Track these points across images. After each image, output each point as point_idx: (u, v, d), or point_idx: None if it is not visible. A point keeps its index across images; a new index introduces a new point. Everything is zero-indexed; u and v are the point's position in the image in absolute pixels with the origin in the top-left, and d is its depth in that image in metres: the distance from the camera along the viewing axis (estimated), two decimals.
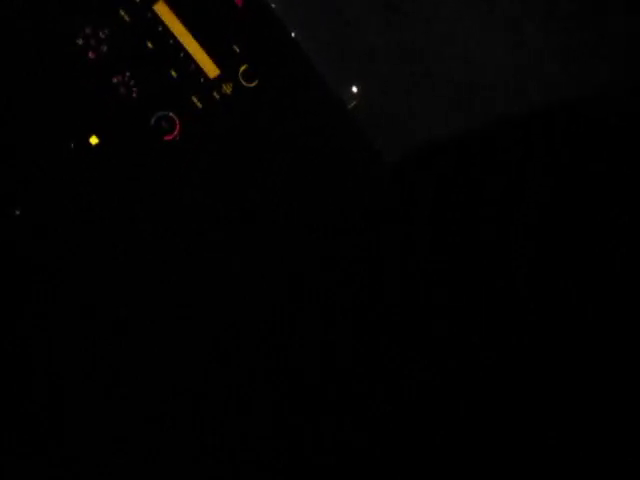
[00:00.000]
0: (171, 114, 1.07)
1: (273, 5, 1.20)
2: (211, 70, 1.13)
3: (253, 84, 1.12)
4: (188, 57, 1.12)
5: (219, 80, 1.12)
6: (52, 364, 0.57)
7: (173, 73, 1.11)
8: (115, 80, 1.08)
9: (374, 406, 0.44)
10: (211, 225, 0.60)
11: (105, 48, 1.10)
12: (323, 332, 0.48)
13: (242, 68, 1.13)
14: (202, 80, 1.10)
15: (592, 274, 0.42)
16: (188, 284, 0.55)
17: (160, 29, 1.11)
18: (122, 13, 1.10)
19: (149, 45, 1.11)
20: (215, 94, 1.11)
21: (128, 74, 1.09)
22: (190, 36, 1.12)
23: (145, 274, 0.58)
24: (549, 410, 0.43)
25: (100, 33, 1.09)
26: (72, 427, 0.53)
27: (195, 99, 1.09)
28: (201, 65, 1.12)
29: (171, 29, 1.12)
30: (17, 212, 0.96)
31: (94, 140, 1.06)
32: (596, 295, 0.41)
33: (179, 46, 1.11)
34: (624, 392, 0.41)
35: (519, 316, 0.43)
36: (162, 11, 1.12)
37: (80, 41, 1.08)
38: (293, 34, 1.28)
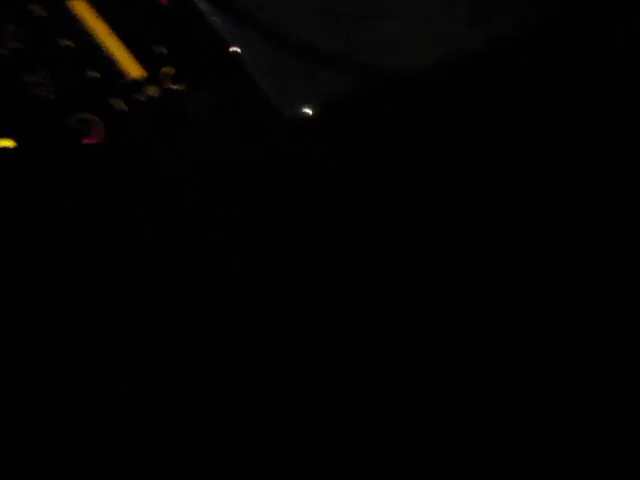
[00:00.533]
0: (91, 116, 1.02)
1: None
2: (135, 71, 1.10)
3: (180, 87, 1.10)
4: (109, 57, 1.07)
5: (143, 81, 1.09)
6: (52, 364, 0.53)
7: (93, 73, 1.06)
8: (28, 79, 1.03)
9: (374, 406, 0.44)
10: (135, 225, 0.57)
11: (17, 44, 1.05)
12: (323, 332, 0.47)
13: (168, 70, 1.10)
14: (125, 81, 1.07)
15: (592, 274, 0.43)
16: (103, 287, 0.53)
17: (78, 26, 1.07)
18: (35, 8, 1.05)
19: (66, 43, 1.06)
20: (139, 96, 1.07)
21: (43, 73, 1.03)
22: (112, 34, 1.09)
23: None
24: (549, 410, 0.43)
25: (12, 28, 1.04)
26: (72, 427, 0.49)
27: (117, 101, 1.05)
28: (123, 65, 1.08)
29: (90, 27, 1.08)
30: None
31: (6, 143, 1.01)
32: (596, 295, 0.43)
33: (98, 45, 1.07)
34: (624, 392, 0.42)
35: (519, 316, 0.44)
36: (80, 8, 1.08)
37: None
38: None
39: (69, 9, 1.06)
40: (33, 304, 0.59)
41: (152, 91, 1.04)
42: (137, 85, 1.03)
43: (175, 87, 1.03)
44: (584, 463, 0.44)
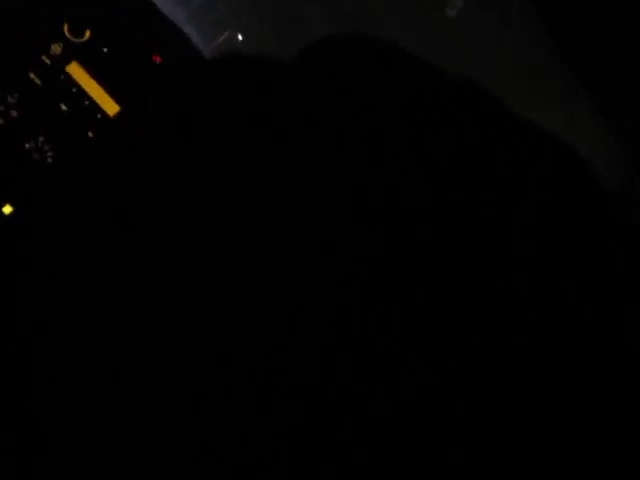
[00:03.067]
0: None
1: None
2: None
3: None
4: (106, 118, 1.10)
5: None
6: (51, 363, 0.53)
7: (90, 135, 1.09)
8: (28, 146, 1.05)
9: (374, 406, 0.43)
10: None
11: (15, 113, 1.06)
12: (323, 332, 0.47)
13: None
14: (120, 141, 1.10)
15: (592, 274, 0.43)
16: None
17: (74, 90, 1.09)
18: (32, 76, 1.07)
19: (63, 108, 1.08)
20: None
21: (42, 139, 1.06)
22: (107, 96, 1.11)
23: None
24: (549, 410, 0.44)
25: (9, 97, 1.05)
26: (71, 427, 0.49)
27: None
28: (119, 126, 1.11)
29: (86, 90, 1.10)
30: None
31: (7, 209, 1.03)
32: (596, 295, 0.43)
33: (96, 107, 1.10)
34: (624, 392, 0.42)
35: (519, 316, 0.44)
36: (76, 72, 1.11)
37: None
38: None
39: (66, 74, 1.09)
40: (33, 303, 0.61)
41: None
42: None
43: None
44: (584, 463, 0.43)
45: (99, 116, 1.10)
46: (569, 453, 0.43)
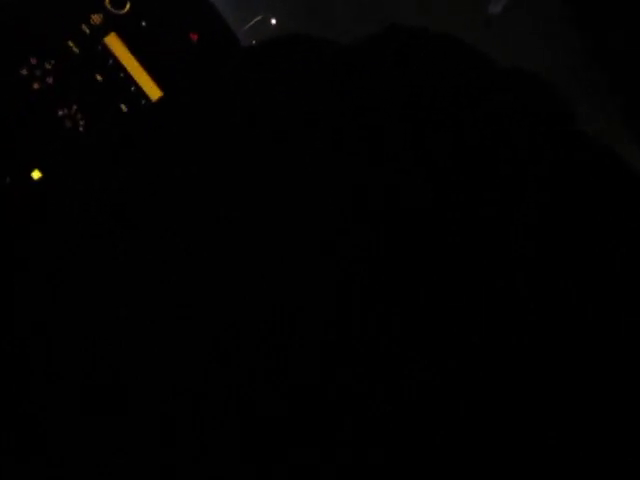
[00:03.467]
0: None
1: None
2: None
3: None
4: (140, 92, 1.10)
5: None
6: (51, 362, 0.54)
7: (124, 107, 1.08)
8: (61, 113, 1.05)
9: (374, 406, 0.43)
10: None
11: (51, 80, 1.06)
12: (323, 332, 0.47)
13: None
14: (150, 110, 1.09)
15: (592, 274, 0.43)
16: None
17: (111, 62, 1.09)
18: (71, 44, 1.07)
19: (98, 78, 1.08)
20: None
21: (75, 107, 1.06)
22: (142, 70, 1.11)
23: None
24: (549, 410, 0.44)
25: (46, 64, 1.05)
26: (71, 427, 0.50)
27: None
28: (153, 100, 1.12)
29: (122, 62, 1.10)
30: None
31: (36, 175, 1.03)
32: (596, 295, 0.43)
33: (130, 80, 1.09)
34: (624, 393, 0.42)
35: (519, 316, 0.44)
36: (113, 44, 1.11)
37: (24, 71, 1.03)
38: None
39: (103, 45, 1.09)
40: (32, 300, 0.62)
41: None
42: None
43: None
44: (584, 463, 0.43)
45: (133, 89, 1.10)
46: (569, 453, 0.43)
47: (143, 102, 1.10)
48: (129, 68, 1.10)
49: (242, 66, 0.65)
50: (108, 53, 1.11)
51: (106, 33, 1.10)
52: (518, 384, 0.45)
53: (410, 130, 0.58)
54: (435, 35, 0.61)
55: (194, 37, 1.16)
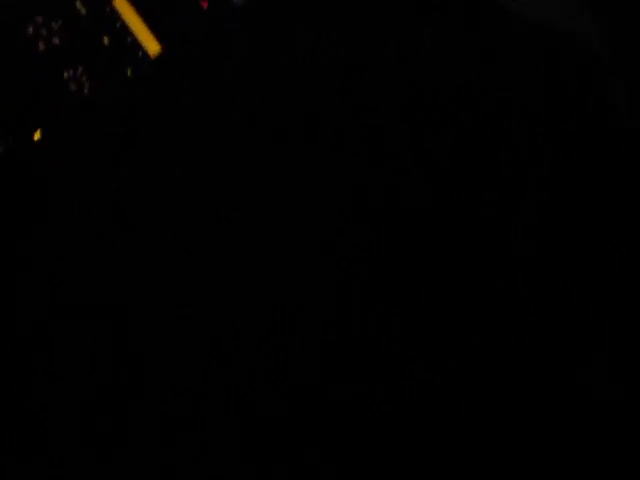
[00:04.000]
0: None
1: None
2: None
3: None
4: (146, 56, 1.08)
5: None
6: (52, 362, 0.54)
7: (129, 72, 1.06)
8: (66, 74, 1.03)
9: (374, 406, 0.43)
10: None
11: (57, 40, 1.05)
12: (323, 332, 0.46)
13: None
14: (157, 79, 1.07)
15: (592, 274, 0.42)
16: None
17: (118, 25, 1.08)
18: (78, 5, 1.06)
19: (105, 41, 1.07)
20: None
21: (80, 69, 1.04)
22: (150, 35, 1.09)
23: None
24: (549, 410, 0.43)
25: (53, 24, 1.05)
26: (70, 428, 0.50)
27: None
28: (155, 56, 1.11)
29: (130, 26, 1.09)
30: None
31: (37, 135, 1.01)
32: (596, 295, 0.42)
33: (137, 44, 1.08)
34: (624, 392, 0.41)
35: (519, 316, 0.43)
36: (122, 6, 1.09)
37: (30, 30, 1.02)
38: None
39: (112, 7, 1.07)
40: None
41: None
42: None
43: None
44: (584, 463, 0.42)
45: (140, 54, 1.08)
46: (568, 452, 0.42)
47: (150, 67, 1.07)
48: (136, 32, 1.10)
49: (242, 65, 0.64)
50: (116, 16, 1.09)
51: None
52: (518, 384, 0.44)
53: (410, 130, 0.57)
54: (435, 32, 0.59)
55: (204, 4, 1.14)
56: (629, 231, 0.46)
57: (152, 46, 1.09)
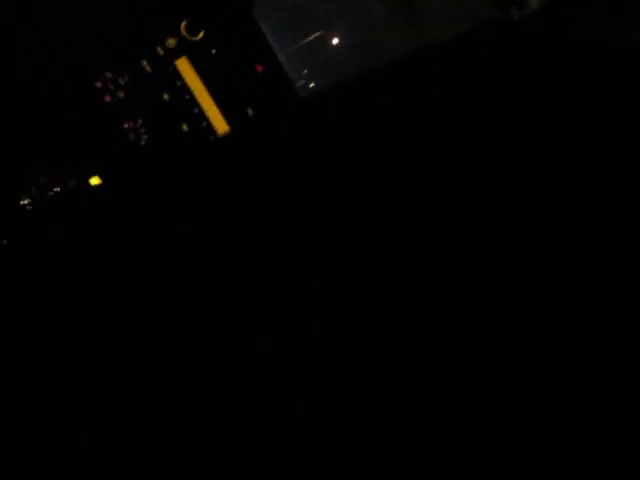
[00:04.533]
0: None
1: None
2: (221, 128, 2.07)
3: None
4: (201, 113, 2.07)
5: (228, 138, 2.07)
6: (52, 362, 0.54)
7: (184, 126, 2.14)
8: (126, 126, 2.20)
9: (374, 406, 0.35)
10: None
11: (122, 94, 2.14)
12: (323, 332, 0.40)
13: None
14: (211, 137, 2.02)
15: (592, 274, 0.35)
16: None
17: (179, 83, 2.12)
18: (144, 63, 2.09)
19: (165, 97, 2.24)
20: (223, 152, 2.21)
21: (140, 122, 2.18)
22: (206, 93, 2.15)
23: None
24: (549, 410, 0.34)
25: (120, 79, 2.07)
26: (71, 427, 0.44)
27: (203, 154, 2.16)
28: (212, 122, 2.04)
29: (189, 85, 2.21)
30: (4, 242, 2.24)
31: (95, 181, 2.21)
32: (596, 295, 0.34)
33: (194, 102, 2.08)
34: (624, 392, 0.33)
35: (519, 316, 0.35)
36: (183, 67, 2.16)
37: (99, 84, 2.03)
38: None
39: (174, 67, 2.22)
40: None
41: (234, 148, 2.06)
42: (222, 141, 2.19)
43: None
44: (583, 463, 0.33)
45: (196, 111, 2.10)
46: (568, 451, 0.33)
47: (203, 123, 1.85)
48: (195, 91, 2.27)
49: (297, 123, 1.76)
50: (177, 75, 2.07)
51: (178, 56, 2.33)
52: (517, 384, 0.33)
53: (407, 130, 0.87)
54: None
55: (259, 69, 1.93)
56: (627, 231, 0.35)
57: (208, 104, 2.35)
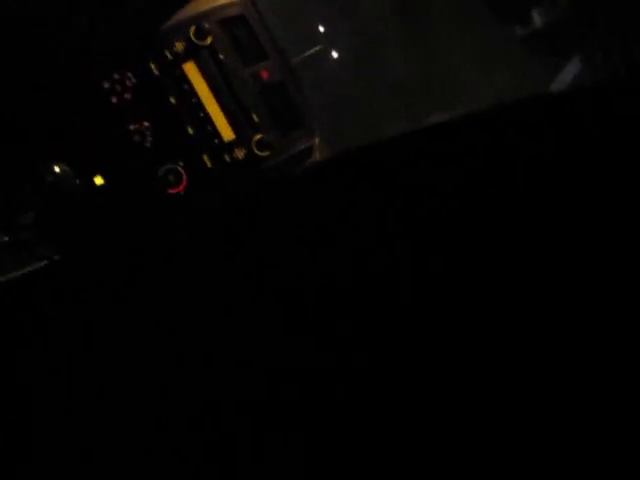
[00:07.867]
0: (180, 169, 1.04)
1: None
2: (226, 133, 1.11)
3: (265, 153, 1.12)
4: (207, 117, 1.08)
5: (232, 144, 1.10)
6: (53, 362, 0.54)
7: (190, 130, 1.06)
8: (132, 127, 1.00)
9: (374, 406, 0.42)
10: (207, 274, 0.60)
11: (129, 95, 1.02)
12: (324, 334, 0.47)
13: (256, 137, 1.12)
14: (216, 141, 1.09)
15: (592, 274, 0.41)
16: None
17: (185, 87, 1.07)
18: (152, 66, 1.05)
19: (172, 100, 1.05)
20: (226, 157, 1.09)
21: (146, 124, 1.02)
22: (213, 98, 1.09)
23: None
24: (549, 410, 0.41)
25: (127, 81, 1.02)
26: (70, 428, 0.52)
27: (206, 158, 1.08)
28: (218, 127, 1.10)
29: (196, 88, 1.08)
30: (5, 239, 0.94)
31: (99, 181, 0.97)
32: (596, 295, 0.41)
33: (200, 106, 1.08)
34: (624, 392, 0.40)
35: (518, 315, 0.41)
36: (190, 71, 1.08)
37: (107, 84, 1.00)
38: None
39: (181, 70, 1.09)
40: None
41: (239, 154, 1.11)
42: (226, 146, 1.11)
43: (261, 154, 1.12)
44: (583, 463, 0.40)
45: (202, 115, 1.08)
46: (569, 452, 0.40)
47: (208, 127, 1.09)
48: (201, 95, 1.09)
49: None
50: (184, 79, 1.08)
51: (186, 60, 1.08)
52: (517, 384, 0.42)
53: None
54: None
55: (264, 75, 1.14)
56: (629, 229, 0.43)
57: (214, 109, 1.11)
